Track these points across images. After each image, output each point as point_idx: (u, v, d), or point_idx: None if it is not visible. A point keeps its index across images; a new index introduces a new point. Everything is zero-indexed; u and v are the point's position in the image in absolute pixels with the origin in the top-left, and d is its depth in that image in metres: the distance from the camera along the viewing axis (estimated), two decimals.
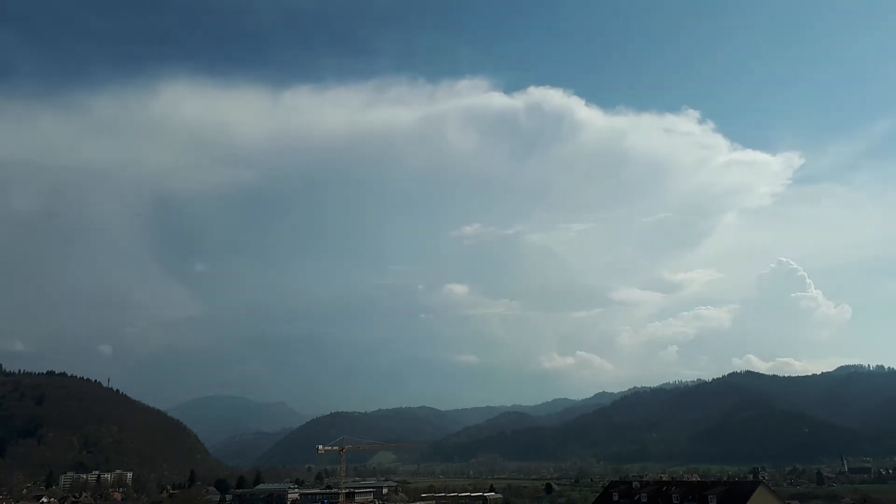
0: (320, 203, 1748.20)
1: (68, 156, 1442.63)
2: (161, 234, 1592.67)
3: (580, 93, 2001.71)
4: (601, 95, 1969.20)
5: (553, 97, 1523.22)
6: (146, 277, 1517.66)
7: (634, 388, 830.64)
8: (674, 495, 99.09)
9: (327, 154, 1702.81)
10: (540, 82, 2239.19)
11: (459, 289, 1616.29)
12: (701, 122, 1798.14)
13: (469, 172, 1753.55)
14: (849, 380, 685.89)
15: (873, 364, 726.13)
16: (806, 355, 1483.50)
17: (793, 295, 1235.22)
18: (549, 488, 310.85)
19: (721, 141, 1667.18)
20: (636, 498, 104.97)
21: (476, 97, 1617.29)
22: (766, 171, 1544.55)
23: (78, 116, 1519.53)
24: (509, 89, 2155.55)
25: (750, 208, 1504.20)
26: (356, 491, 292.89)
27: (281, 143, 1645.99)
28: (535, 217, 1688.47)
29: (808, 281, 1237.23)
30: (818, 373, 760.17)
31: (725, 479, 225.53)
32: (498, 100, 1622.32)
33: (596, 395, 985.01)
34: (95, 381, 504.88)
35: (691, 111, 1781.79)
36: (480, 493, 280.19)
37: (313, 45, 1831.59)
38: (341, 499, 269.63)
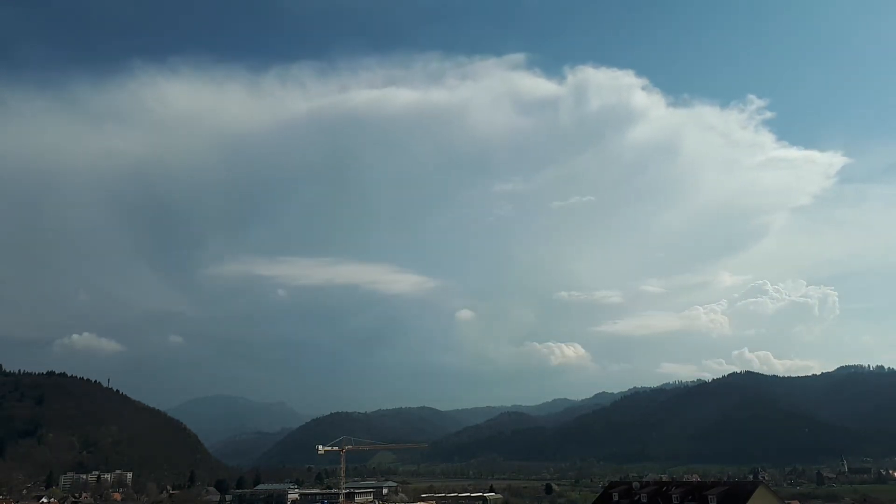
0: (321, 194, 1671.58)
1: (54, 146, 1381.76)
2: (158, 229, 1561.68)
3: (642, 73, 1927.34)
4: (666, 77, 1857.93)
5: (601, 78, 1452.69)
6: (146, 276, 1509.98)
7: (634, 388, 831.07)
8: (674, 495, 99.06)
9: (328, 143, 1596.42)
10: (588, 61, 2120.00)
11: (458, 287, 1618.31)
12: (759, 111, 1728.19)
13: (486, 162, 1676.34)
14: (849, 380, 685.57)
15: (873, 364, 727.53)
16: (806, 356, 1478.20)
17: (801, 298, 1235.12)
18: (548, 488, 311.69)
19: (766, 137, 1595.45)
20: (636, 498, 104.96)
21: (507, 77, 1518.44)
22: (809, 171, 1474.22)
23: (63, 104, 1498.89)
24: (550, 70, 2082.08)
25: (792, 208, 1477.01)
26: (356, 491, 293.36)
27: (281, 130, 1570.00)
28: (546, 220, 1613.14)
29: (818, 286, 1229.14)
30: (818, 373, 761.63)
31: (725, 479, 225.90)
32: (531, 82, 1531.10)
33: (596, 395, 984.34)
34: (95, 381, 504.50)
35: (756, 99, 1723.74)
36: (480, 494, 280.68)
37: (315, 21, 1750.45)
38: (341, 499, 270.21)
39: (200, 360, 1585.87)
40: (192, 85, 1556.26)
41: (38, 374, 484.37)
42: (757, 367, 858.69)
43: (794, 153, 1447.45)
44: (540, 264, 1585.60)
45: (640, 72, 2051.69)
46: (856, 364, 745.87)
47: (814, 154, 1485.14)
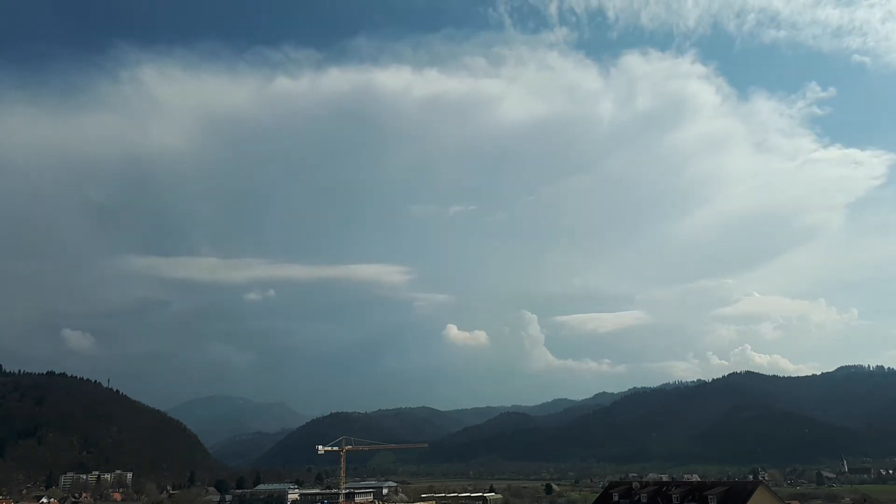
0: (318, 192, 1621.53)
1: (44, 141, 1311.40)
2: (156, 227, 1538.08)
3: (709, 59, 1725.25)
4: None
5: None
6: (146, 276, 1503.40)
7: (634, 388, 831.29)
8: (674, 496, 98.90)
9: (328, 135, 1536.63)
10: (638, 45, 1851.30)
11: (460, 286, 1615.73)
12: (814, 104, 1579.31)
13: (499, 160, 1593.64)
14: (849, 380, 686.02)
15: (873, 364, 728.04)
16: (809, 356, 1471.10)
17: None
18: (549, 489, 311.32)
19: (811, 136, 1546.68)
20: (636, 498, 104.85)
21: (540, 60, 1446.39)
22: (854, 171, 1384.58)
23: (45, 95, 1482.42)
24: (594, 53, 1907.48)
25: (829, 209, 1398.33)
26: (356, 491, 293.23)
27: (279, 123, 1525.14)
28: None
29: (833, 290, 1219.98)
30: (818, 373, 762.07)
31: (725, 479, 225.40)
32: (571, 69, 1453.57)
33: (596, 395, 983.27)
34: (95, 381, 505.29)
35: (819, 89, 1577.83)
36: (480, 494, 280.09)
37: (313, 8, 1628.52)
38: (341, 499, 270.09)
39: (200, 360, 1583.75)
40: (180, 75, 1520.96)
41: (38, 374, 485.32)
42: (757, 367, 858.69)
43: (835, 153, 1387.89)
44: (539, 264, 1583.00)
45: (706, 58, 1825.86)
46: (856, 364, 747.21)
47: (856, 153, 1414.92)
